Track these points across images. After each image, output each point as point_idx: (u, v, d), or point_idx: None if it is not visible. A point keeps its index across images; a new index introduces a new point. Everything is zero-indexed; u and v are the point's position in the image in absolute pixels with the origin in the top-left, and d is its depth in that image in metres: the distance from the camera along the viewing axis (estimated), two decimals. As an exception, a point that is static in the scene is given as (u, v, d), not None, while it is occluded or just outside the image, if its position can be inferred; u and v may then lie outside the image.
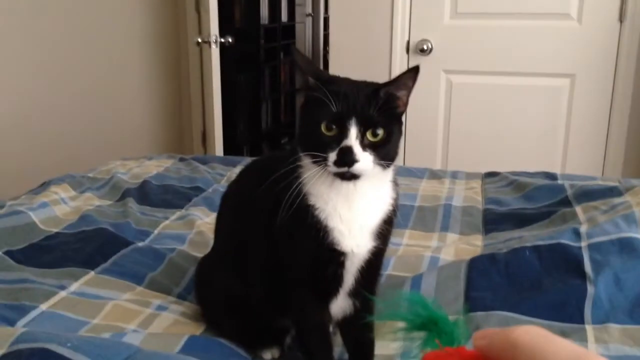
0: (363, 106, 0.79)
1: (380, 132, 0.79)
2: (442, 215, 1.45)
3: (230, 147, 3.93)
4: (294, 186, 0.82)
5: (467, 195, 1.58)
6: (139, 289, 1.16)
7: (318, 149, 0.79)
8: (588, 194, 1.36)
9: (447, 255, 1.21)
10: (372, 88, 0.82)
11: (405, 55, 2.72)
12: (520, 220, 1.35)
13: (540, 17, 2.52)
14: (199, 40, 3.03)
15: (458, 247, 1.26)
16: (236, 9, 4.09)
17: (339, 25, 2.79)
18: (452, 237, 1.34)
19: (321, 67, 9.33)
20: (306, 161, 0.82)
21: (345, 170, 0.78)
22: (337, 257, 0.85)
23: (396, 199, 0.89)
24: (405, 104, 0.85)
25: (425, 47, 2.66)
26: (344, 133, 0.78)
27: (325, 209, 0.83)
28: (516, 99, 2.60)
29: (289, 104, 5.24)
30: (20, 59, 2.38)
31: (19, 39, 2.37)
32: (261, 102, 4.55)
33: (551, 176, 1.66)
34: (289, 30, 5.18)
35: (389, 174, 0.85)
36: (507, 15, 2.56)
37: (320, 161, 0.79)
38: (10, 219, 1.35)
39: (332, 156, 0.78)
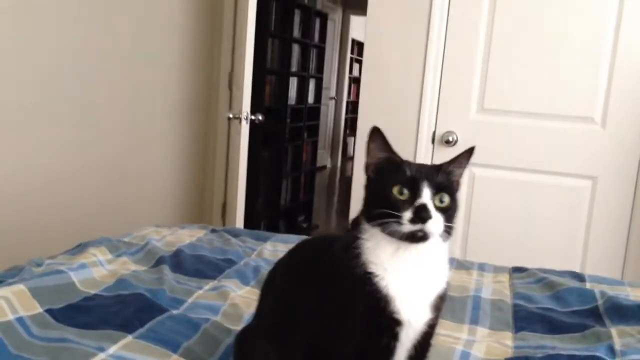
0: (433, 174, 0.87)
1: (446, 198, 0.85)
2: (471, 307, 1.47)
3: (248, 221, 3.98)
4: (354, 255, 0.85)
5: (495, 289, 1.60)
6: (174, 357, 1.17)
7: (392, 209, 0.83)
8: (620, 312, 1.38)
9: (478, 352, 1.22)
10: (436, 165, 0.90)
11: (431, 145, 2.80)
12: (551, 324, 1.36)
13: (564, 119, 2.61)
14: (230, 115, 3.14)
15: (489, 344, 1.27)
16: (267, 88, 4.24)
17: (367, 110, 2.88)
18: (482, 331, 1.35)
19: (341, 148, 9.47)
20: (371, 230, 0.86)
21: (419, 227, 0.82)
22: (393, 328, 0.86)
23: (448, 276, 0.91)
24: (459, 183, 0.92)
25: (450, 139, 2.74)
26: (417, 194, 0.84)
27: (386, 277, 0.85)
28: (537, 196, 2.65)
29: (309, 182, 5.33)
30: (53, 123, 2.47)
31: (53, 106, 2.47)
32: (282, 179, 4.63)
33: (578, 277, 1.68)
34: (314, 111, 5.34)
35: (447, 246, 0.89)
36: (532, 115, 2.64)
37: (393, 222, 0.82)
38: (50, 277, 1.38)
39: (407, 214, 0.82)
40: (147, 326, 1.25)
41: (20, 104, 2.27)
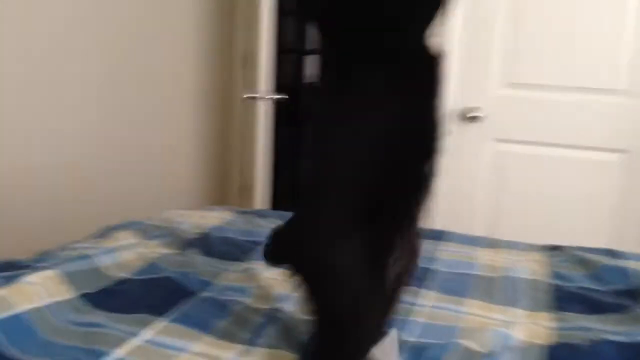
0: None
1: None
2: (506, 287, 1.43)
3: (273, 202, 3.96)
4: None
5: (531, 268, 1.56)
6: (205, 337, 1.16)
7: None
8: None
9: (517, 333, 1.19)
10: None
11: (455, 122, 2.74)
12: (591, 304, 1.32)
13: (592, 91, 2.53)
14: (248, 95, 3.10)
15: (528, 326, 1.24)
16: (285, 66, 4.19)
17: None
18: (519, 312, 1.31)
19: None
20: None
21: None
22: None
23: None
24: None
25: (475, 115, 2.68)
26: None
27: None
28: (566, 171, 2.60)
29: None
30: (70, 107, 2.45)
31: (72, 89, 2.46)
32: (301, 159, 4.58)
33: (613, 254, 1.64)
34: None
35: None
36: (559, 88, 2.58)
37: None
38: (80, 262, 1.37)
39: None
40: (177, 309, 1.25)
41: (42, 87, 2.26)
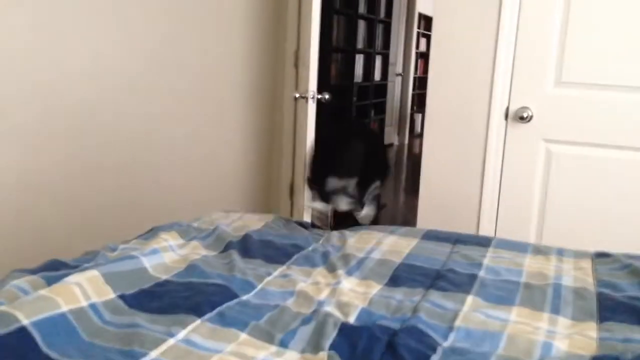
0: None
1: None
2: (551, 295, 1.39)
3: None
4: None
5: (577, 276, 1.51)
6: (243, 336, 1.16)
7: None
8: None
9: (561, 344, 1.16)
10: None
11: (504, 122, 2.69)
12: (639, 314, 1.27)
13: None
14: (297, 95, 3.12)
15: (572, 336, 1.20)
16: (333, 66, 4.19)
17: (436, 86, 2.79)
18: (564, 321, 1.27)
19: (408, 125, 9.38)
20: None
21: None
22: None
23: None
24: None
25: (525, 115, 2.62)
26: None
27: None
28: (619, 173, 2.51)
29: (376, 161, 5.25)
30: (121, 109, 2.51)
31: (121, 90, 2.51)
32: (349, 158, 4.58)
33: (668, 262, 1.57)
34: (381, 88, 5.25)
35: None
36: (612, 87, 2.49)
37: None
38: (123, 263, 1.40)
39: None
40: (216, 310, 1.26)
41: (90, 86, 2.32)
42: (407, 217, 4.98)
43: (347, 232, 1.86)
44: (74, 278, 1.26)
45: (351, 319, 1.24)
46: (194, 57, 2.87)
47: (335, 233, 1.86)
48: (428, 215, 2.87)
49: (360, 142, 3.00)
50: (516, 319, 1.29)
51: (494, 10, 2.61)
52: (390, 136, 8.78)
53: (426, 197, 2.87)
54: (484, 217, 2.76)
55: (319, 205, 2.78)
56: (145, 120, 2.61)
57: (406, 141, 9.29)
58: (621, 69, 2.46)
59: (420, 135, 2.64)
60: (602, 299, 1.37)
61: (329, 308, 1.28)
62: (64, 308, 1.15)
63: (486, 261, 1.63)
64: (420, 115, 9.70)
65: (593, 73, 2.51)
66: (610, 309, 1.31)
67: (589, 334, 1.21)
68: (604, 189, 2.54)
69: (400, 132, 9.14)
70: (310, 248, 1.69)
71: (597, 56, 2.49)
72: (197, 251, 1.59)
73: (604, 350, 1.13)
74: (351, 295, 1.37)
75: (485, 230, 2.75)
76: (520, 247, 1.76)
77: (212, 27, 2.98)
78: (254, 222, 1.87)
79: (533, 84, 2.62)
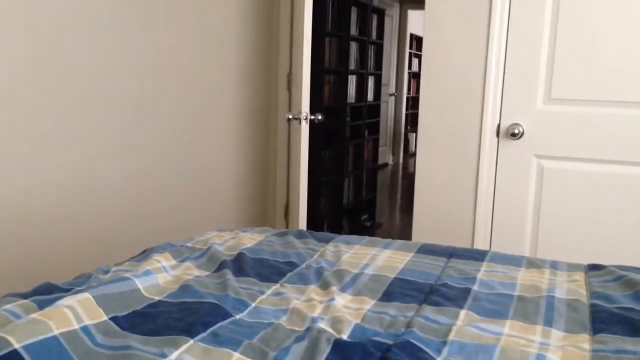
0: None
1: None
2: (545, 308, 1.39)
3: (311, 221, 3.98)
4: None
5: (570, 288, 1.51)
6: (236, 355, 1.15)
7: None
8: None
9: (554, 356, 1.15)
10: None
11: (495, 139, 2.71)
12: (632, 326, 1.27)
13: (634, 105, 2.47)
14: (290, 116, 3.14)
15: (565, 348, 1.19)
16: (326, 87, 4.22)
17: (428, 105, 2.82)
18: (557, 334, 1.27)
19: (402, 144, 9.40)
20: None
21: None
22: None
23: None
24: None
25: (516, 131, 2.64)
26: None
27: None
28: (611, 188, 2.53)
29: (371, 180, 5.28)
30: (116, 128, 2.52)
31: (114, 111, 2.53)
32: (344, 178, 4.60)
33: (661, 273, 1.57)
34: (374, 109, 5.28)
35: None
36: (602, 103, 2.52)
37: None
38: (116, 285, 1.40)
39: None
40: (210, 330, 1.25)
41: (83, 108, 2.33)
42: (403, 235, 4.98)
43: (342, 246, 1.86)
44: (66, 301, 1.25)
45: (344, 335, 1.24)
46: (188, 80, 2.90)
47: (330, 247, 1.86)
48: (423, 232, 2.87)
49: None
50: (509, 332, 1.29)
51: (482, 28, 2.65)
52: (385, 156, 8.81)
53: (420, 214, 2.88)
54: (479, 233, 2.77)
55: None
56: (139, 142, 2.62)
57: (401, 160, 9.33)
58: (609, 84, 2.49)
59: (415, 154, 2.65)
60: (595, 310, 1.37)
61: (323, 324, 1.28)
62: (56, 331, 1.15)
63: (480, 275, 1.63)
64: (414, 135, 9.75)
65: (582, 89, 2.54)
66: (603, 320, 1.31)
67: (582, 345, 1.21)
68: (596, 203, 2.56)
69: (395, 152, 9.18)
70: (304, 265, 1.69)
71: (585, 72, 2.52)
72: (190, 272, 1.58)
73: (598, 362, 1.13)
74: (345, 312, 1.36)
75: (480, 246, 2.75)
76: (514, 261, 1.76)
77: (207, 50, 3.01)
78: (247, 240, 1.87)
79: (523, 100, 2.64)
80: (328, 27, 4.18)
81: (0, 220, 2.05)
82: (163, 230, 2.81)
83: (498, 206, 2.73)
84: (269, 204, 3.75)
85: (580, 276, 1.62)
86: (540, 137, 2.63)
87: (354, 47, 4.71)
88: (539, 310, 1.39)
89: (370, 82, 5.17)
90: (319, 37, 3.92)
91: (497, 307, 1.42)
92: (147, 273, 1.50)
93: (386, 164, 8.93)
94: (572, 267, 1.69)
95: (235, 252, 1.74)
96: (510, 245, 2.71)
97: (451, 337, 1.24)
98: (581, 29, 2.51)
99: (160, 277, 1.51)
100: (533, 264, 1.74)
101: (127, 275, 1.46)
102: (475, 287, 1.54)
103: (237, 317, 1.34)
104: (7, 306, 1.25)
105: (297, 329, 1.28)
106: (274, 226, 3.70)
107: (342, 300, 1.43)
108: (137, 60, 2.54)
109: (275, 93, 3.65)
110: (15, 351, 1.06)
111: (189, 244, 1.81)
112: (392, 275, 1.61)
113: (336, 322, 1.29)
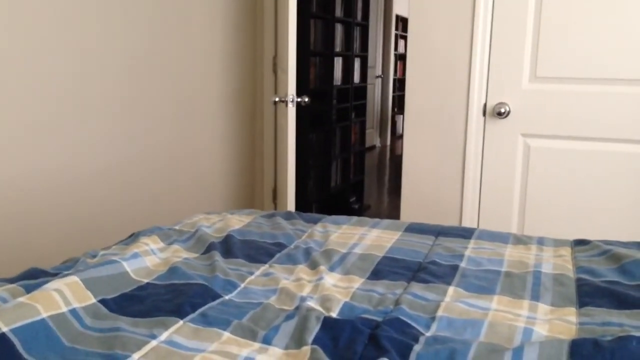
0: None
1: None
2: (531, 283, 1.41)
3: (299, 204, 3.98)
4: None
5: (556, 263, 1.53)
6: (226, 335, 1.16)
7: None
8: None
9: (541, 329, 1.17)
10: None
11: (482, 118, 2.71)
12: (618, 299, 1.29)
13: (621, 82, 2.48)
14: (276, 99, 3.12)
15: (552, 321, 1.21)
16: (312, 70, 4.20)
17: (415, 87, 2.82)
18: (543, 307, 1.29)
19: (390, 126, 9.40)
20: None
21: None
22: None
23: None
24: None
25: (502, 110, 2.65)
26: None
27: None
28: (596, 164, 2.55)
29: (358, 163, 5.28)
30: (101, 114, 2.50)
31: (101, 97, 2.50)
32: (331, 161, 4.60)
33: (645, 247, 1.59)
34: (361, 91, 5.27)
35: None
36: (587, 80, 2.53)
37: None
38: (104, 268, 1.39)
39: None
40: (199, 311, 1.25)
41: (69, 95, 2.31)
42: (391, 217, 5.00)
43: (330, 226, 1.86)
44: (54, 285, 1.25)
45: (334, 314, 1.24)
46: (173, 65, 2.87)
47: (318, 228, 1.86)
48: (411, 213, 2.88)
49: None
50: (497, 307, 1.30)
51: (468, 8, 2.64)
52: (372, 138, 8.81)
53: (408, 195, 2.89)
54: (466, 213, 2.78)
55: None
56: (126, 127, 2.60)
57: (388, 143, 9.33)
58: (594, 62, 2.50)
59: (402, 136, 2.66)
60: (581, 284, 1.39)
61: (312, 303, 1.28)
62: (44, 314, 1.14)
63: (468, 252, 1.64)
64: (401, 117, 9.76)
65: (567, 67, 2.55)
66: (589, 294, 1.33)
67: (569, 319, 1.22)
68: (582, 181, 2.58)
69: (382, 134, 9.18)
70: (292, 245, 1.69)
71: (570, 50, 2.52)
72: (179, 254, 1.58)
73: (584, 334, 1.14)
74: (333, 290, 1.37)
75: (468, 224, 2.77)
76: (501, 238, 1.77)
77: (191, 35, 2.98)
78: (235, 222, 1.87)
79: (509, 79, 2.65)
80: (313, 8, 4.15)
81: (-15, 206, 2.03)
82: (151, 216, 2.80)
83: (485, 185, 2.74)
84: (256, 189, 3.74)
85: (566, 251, 1.63)
86: (527, 116, 2.64)
87: (339, 28, 4.69)
88: (525, 285, 1.41)
89: (357, 64, 5.15)
90: (304, 19, 3.90)
91: (485, 283, 1.43)
92: (135, 256, 1.50)
93: (374, 147, 8.94)
94: (558, 243, 1.71)
95: (224, 234, 1.74)
96: (498, 223, 2.73)
97: (439, 313, 1.25)
98: (566, 7, 2.51)
99: (148, 260, 1.51)
100: (520, 240, 1.75)
101: (115, 258, 1.46)
102: (463, 264, 1.55)
103: (227, 297, 1.34)
104: (-6, 291, 1.24)
105: (286, 308, 1.28)
106: (262, 209, 3.69)
107: (331, 280, 1.44)
108: (121, 46, 2.52)
109: (261, 76, 3.63)
110: (3, 335, 1.05)
111: (176, 227, 1.81)
112: (381, 254, 1.62)
113: (325, 301, 1.30)
